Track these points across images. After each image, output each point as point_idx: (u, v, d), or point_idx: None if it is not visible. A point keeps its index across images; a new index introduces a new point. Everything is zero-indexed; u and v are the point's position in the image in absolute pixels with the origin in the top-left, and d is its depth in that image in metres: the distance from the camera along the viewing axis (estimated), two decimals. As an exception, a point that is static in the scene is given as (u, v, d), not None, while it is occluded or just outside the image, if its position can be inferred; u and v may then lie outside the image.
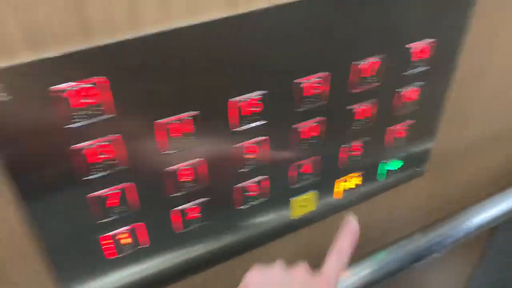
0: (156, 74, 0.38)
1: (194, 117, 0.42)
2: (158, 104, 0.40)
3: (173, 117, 0.41)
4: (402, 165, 0.65)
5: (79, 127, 0.37)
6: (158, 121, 0.41)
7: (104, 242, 0.46)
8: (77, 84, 0.35)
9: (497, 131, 0.77)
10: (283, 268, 0.42)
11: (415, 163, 0.67)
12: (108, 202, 0.43)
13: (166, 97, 0.40)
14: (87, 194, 0.41)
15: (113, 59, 0.35)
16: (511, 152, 0.85)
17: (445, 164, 0.74)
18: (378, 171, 0.63)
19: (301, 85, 0.46)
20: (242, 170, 0.49)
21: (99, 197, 0.42)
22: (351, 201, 0.62)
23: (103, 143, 0.39)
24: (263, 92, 0.44)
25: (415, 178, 0.70)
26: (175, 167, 0.45)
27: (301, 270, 0.41)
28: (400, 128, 0.59)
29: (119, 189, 0.43)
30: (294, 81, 0.46)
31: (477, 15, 0.55)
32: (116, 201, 0.43)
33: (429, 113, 0.61)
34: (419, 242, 0.65)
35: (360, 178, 0.61)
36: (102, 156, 0.39)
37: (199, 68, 0.40)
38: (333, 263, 0.42)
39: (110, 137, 0.39)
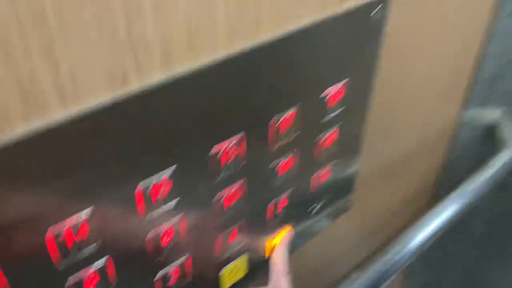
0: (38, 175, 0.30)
1: (90, 216, 0.34)
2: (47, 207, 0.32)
3: (66, 221, 0.33)
4: (328, 204, 0.62)
5: None
6: (50, 228, 0.33)
7: None
8: None
9: (414, 149, 0.77)
10: None
11: (341, 198, 0.64)
12: None
13: (54, 198, 0.32)
14: None
15: None
16: (427, 167, 0.86)
17: (370, 191, 0.72)
18: (306, 218, 0.59)
19: (217, 154, 0.40)
20: (159, 258, 0.42)
21: None
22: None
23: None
24: (173, 169, 0.38)
25: (342, 213, 0.67)
26: (78, 275, 0.36)
27: None
28: (324, 171, 0.55)
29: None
30: (209, 152, 0.40)
31: (386, 46, 0.53)
32: None
33: (350, 148, 0.59)
34: (361, 280, 0.62)
35: (290, 230, 0.57)
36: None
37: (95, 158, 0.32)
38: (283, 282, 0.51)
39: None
